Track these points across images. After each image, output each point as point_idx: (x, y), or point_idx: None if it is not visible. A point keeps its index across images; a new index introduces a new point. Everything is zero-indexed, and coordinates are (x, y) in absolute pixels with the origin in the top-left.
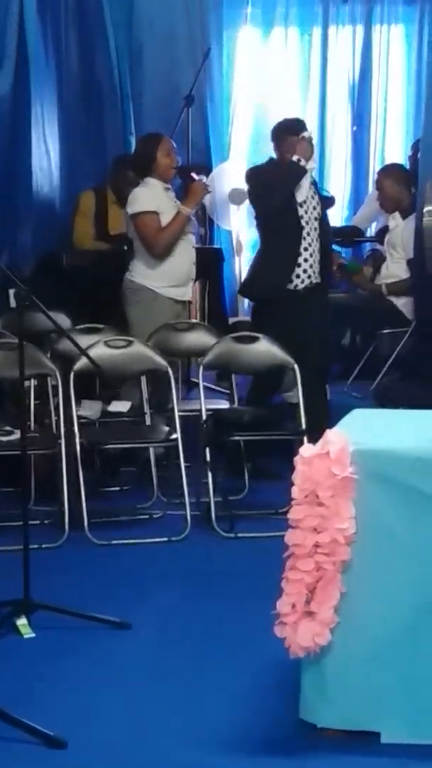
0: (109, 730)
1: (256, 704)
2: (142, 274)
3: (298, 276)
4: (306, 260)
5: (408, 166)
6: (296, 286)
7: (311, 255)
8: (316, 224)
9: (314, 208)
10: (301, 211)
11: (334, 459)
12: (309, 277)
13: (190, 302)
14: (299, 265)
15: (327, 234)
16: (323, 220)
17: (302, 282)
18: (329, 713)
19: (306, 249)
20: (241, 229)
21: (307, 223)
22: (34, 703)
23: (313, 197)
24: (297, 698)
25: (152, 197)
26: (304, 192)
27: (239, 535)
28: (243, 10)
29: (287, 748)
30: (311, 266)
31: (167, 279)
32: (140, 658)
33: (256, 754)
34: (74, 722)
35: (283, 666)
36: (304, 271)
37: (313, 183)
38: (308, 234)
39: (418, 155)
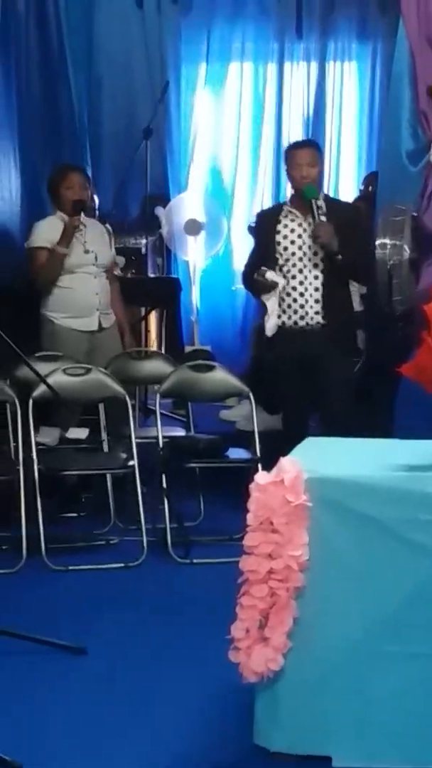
0: (63, 755)
1: (211, 729)
2: (44, 305)
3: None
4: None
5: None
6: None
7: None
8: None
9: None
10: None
11: (289, 486)
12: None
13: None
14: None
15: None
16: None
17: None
18: (282, 738)
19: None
20: (197, 259)
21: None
22: None
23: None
24: (251, 723)
25: (46, 231)
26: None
27: (195, 561)
28: (201, 46)
29: None
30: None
31: (65, 310)
32: (95, 682)
33: None
34: (28, 747)
35: (237, 691)
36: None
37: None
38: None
39: (370, 188)
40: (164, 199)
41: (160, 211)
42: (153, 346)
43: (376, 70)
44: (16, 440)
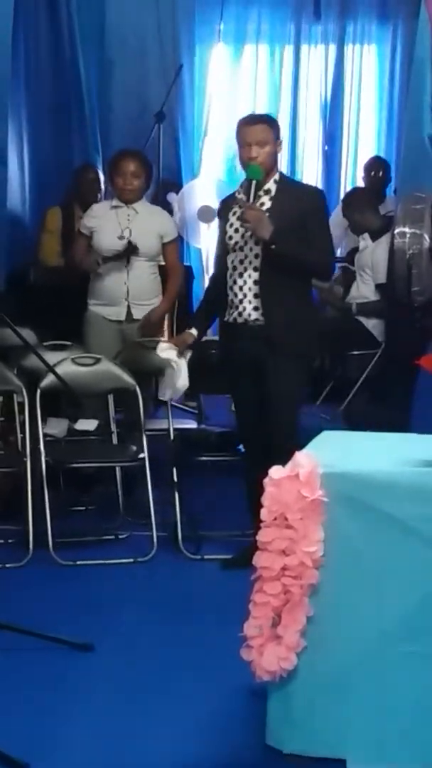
0: (71, 754)
1: (222, 729)
2: (88, 291)
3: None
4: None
5: (364, 183)
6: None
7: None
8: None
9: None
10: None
11: (304, 481)
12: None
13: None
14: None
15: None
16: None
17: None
18: (295, 739)
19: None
20: (211, 247)
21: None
22: None
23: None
24: (263, 723)
25: (91, 216)
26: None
27: (206, 556)
28: (215, 27)
29: None
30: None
31: (98, 298)
32: (103, 680)
33: None
34: (35, 746)
35: (249, 690)
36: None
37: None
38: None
39: (375, 173)
40: (177, 185)
41: (172, 197)
42: (165, 335)
43: (396, 53)
44: (23, 431)
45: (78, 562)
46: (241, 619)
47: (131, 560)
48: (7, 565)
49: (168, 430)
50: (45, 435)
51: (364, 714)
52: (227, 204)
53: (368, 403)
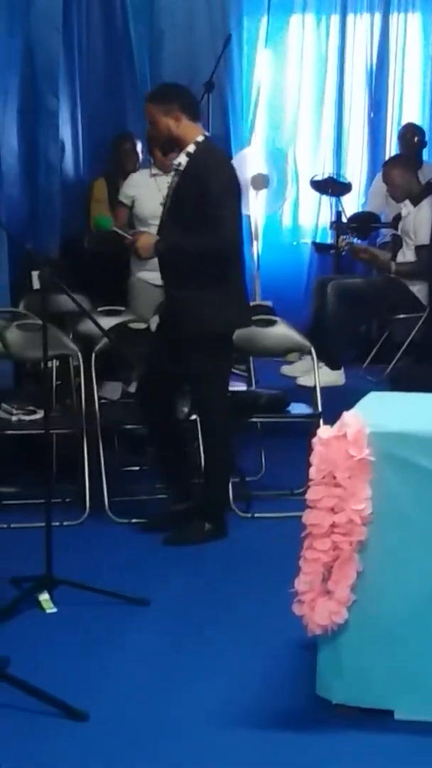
0: (127, 704)
1: (273, 680)
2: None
3: None
4: None
5: (399, 150)
6: None
7: None
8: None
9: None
10: None
11: (351, 441)
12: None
13: None
14: None
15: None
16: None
17: None
18: (344, 690)
19: None
20: (259, 214)
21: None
22: (56, 676)
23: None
24: (314, 675)
25: (131, 185)
26: None
27: (256, 515)
28: None
29: (303, 724)
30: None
31: (141, 264)
32: (158, 634)
33: (272, 730)
34: (94, 696)
35: (300, 644)
36: None
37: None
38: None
39: (411, 139)
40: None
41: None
42: None
43: None
44: (79, 395)
45: (133, 520)
46: (292, 576)
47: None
48: (65, 524)
49: None
50: (100, 398)
51: (412, 666)
52: None
53: (413, 365)
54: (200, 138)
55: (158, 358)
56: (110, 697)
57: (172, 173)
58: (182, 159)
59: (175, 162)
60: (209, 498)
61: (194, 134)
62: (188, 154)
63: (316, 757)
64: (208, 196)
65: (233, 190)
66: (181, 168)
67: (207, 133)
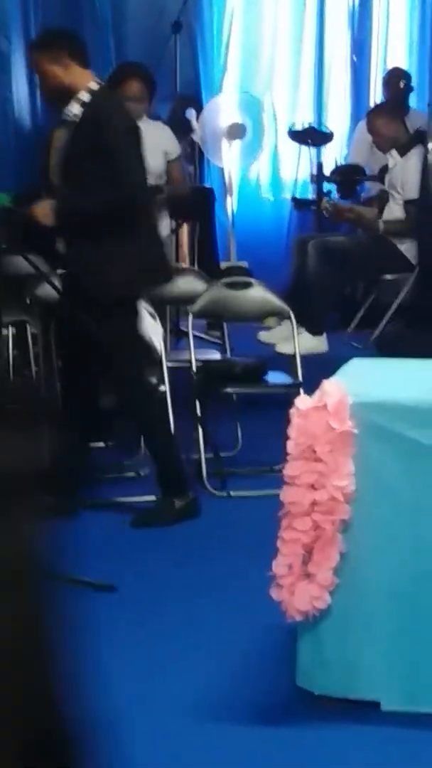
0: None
1: (251, 671)
2: None
3: None
4: None
5: (384, 96)
6: None
7: None
8: None
9: None
10: None
11: (332, 412)
12: None
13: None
14: None
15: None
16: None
17: None
18: (327, 680)
19: None
20: (234, 167)
21: None
22: None
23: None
24: (294, 665)
25: None
26: None
27: (232, 493)
28: None
29: (284, 716)
30: None
31: None
32: (126, 622)
33: (251, 723)
34: None
35: (279, 631)
36: None
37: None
38: None
39: (396, 84)
40: (196, 101)
41: (191, 113)
42: (185, 262)
43: None
44: (37, 365)
45: (96, 501)
46: (269, 558)
47: (153, 498)
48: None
49: (190, 361)
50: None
51: (399, 654)
52: None
53: (403, 329)
54: (93, 85)
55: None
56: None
57: (62, 126)
58: (75, 109)
59: (68, 112)
60: (160, 471)
61: (86, 81)
62: (82, 104)
63: (297, 753)
64: (109, 146)
65: (136, 138)
66: (77, 119)
67: (100, 80)
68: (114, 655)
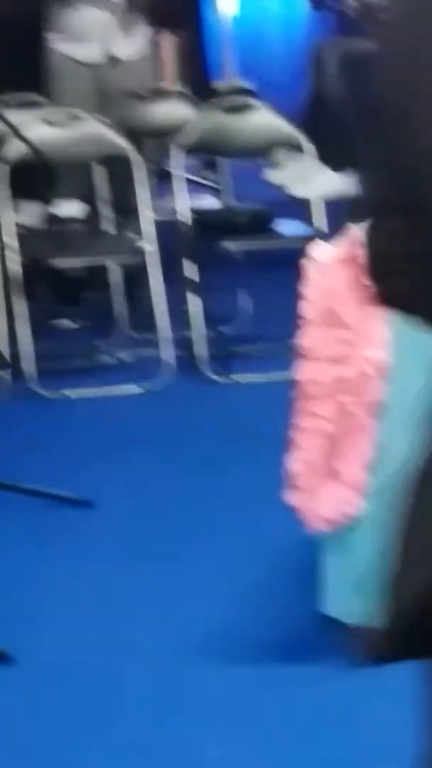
0: (75, 631)
1: (263, 598)
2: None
3: None
4: None
5: None
6: None
7: None
8: None
9: None
10: None
11: (362, 264)
12: None
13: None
14: None
15: None
16: None
17: None
18: (361, 607)
19: None
20: None
21: None
22: None
23: None
24: (315, 587)
25: None
26: None
27: (236, 378)
28: None
29: (306, 654)
30: None
31: (65, 32)
32: (108, 543)
33: (267, 663)
34: (21, 632)
35: (299, 547)
36: None
37: None
38: None
39: None
40: None
41: None
42: (168, 81)
43: None
44: None
45: (66, 394)
46: (283, 455)
47: (139, 390)
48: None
49: (179, 211)
50: (18, 226)
51: None
52: None
53: None
54: None
55: None
56: (40, 637)
57: None
58: None
59: None
60: None
61: None
62: None
63: (324, 696)
64: None
65: None
66: None
67: None
68: (95, 579)
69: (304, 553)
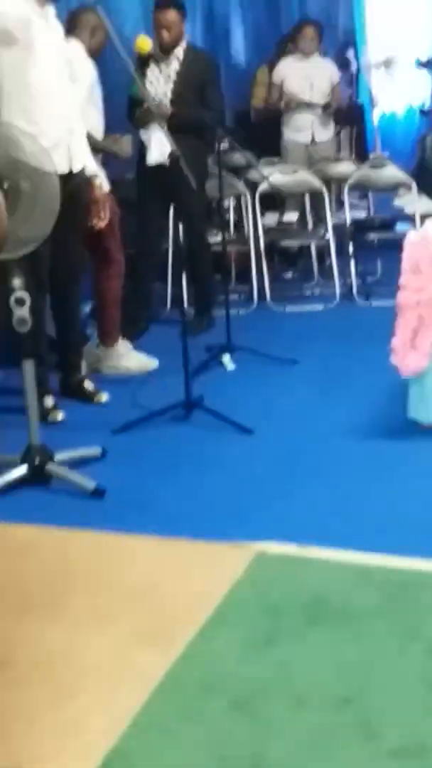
0: (283, 422)
1: (379, 407)
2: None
3: None
4: None
5: None
6: None
7: None
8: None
9: None
10: None
11: (430, 240)
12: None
13: None
14: None
15: None
16: None
17: None
18: (428, 413)
19: None
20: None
21: None
22: (234, 408)
23: None
24: (406, 404)
25: (281, 69)
26: None
27: (373, 304)
28: None
29: (399, 435)
30: None
31: (290, 127)
32: (306, 383)
33: (377, 439)
34: (259, 420)
35: (396, 384)
36: None
37: None
38: None
39: None
40: (353, 44)
41: (350, 52)
42: (345, 153)
43: None
44: (247, 223)
45: (287, 309)
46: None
47: (322, 307)
48: (241, 311)
49: (345, 219)
50: (263, 225)
51: None
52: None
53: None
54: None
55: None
56: (270, 420)
57: (173, 60)
58: (179, 53)
59: (176, 53)
60: (202, 295)
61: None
62: (183, 49)
63: (398, 459)
64: (210, 83)
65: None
66: (180, 58)
67: None
68: (297, 402)
69: (400, 389)
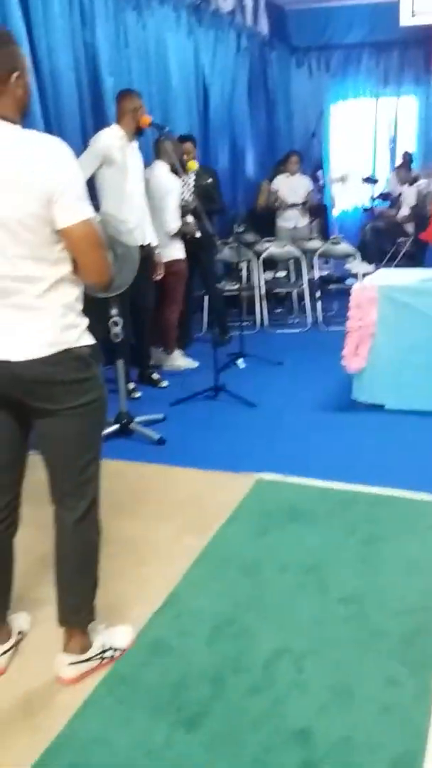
0: (273, 399)
1: (332, 391)
2: (276, 215)
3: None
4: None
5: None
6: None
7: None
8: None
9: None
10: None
11: (368, 287)
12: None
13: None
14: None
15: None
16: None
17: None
18: (363, 394)
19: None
20: (337, 195)
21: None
22: (245, 390)
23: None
24: (351, 389)
25: (276, 183)
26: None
27: (330, 329)
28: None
29: (346, 409)
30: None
31: (282, 217)
32: (288, 375)
33: (327, 412)
34: (260, 397)
35: (345, 375)
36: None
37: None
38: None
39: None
40: (321, 168)
41: (319, 173)
42: (316, 235)
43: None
44: (254, 277)
45: (277, 331)
46: (339, 351)
47: (299, 330)
48: (247, 333)
49: (315, 276)
50: (264, 278)
51: (398, 376)
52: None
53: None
54: None
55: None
56: (266, 398)
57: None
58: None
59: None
60: (223, 321)
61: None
62: (194, 171)
63: (346, 423)
64: (214, 188)
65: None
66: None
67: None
68: (285, 393)
69: (347, 378)
